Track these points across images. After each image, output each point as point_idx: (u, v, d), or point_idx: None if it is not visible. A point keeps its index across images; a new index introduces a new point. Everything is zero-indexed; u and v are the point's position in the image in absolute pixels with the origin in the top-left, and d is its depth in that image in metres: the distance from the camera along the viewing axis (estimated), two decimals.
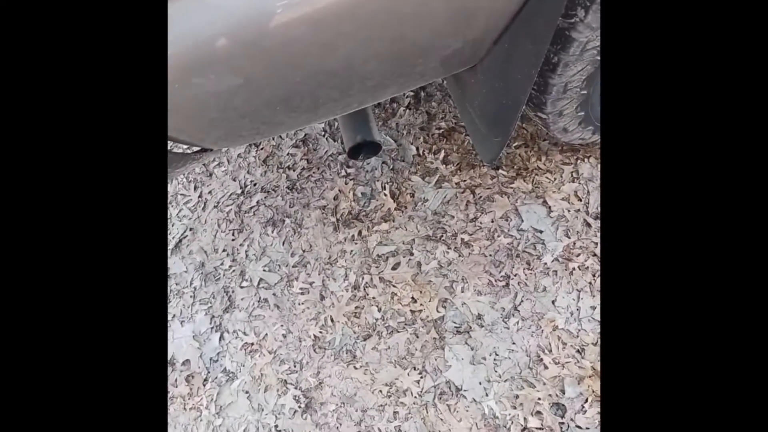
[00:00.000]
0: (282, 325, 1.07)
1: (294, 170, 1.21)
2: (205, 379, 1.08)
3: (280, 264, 1.12)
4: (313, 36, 0.56)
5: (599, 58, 0.73)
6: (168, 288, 1.19)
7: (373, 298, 1.07)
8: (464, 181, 1.12)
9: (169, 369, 1.10)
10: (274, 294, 1.10)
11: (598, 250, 1.02)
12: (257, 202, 1.21)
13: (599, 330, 0.96)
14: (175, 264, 1.22)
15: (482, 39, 0.65)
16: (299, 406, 1.01)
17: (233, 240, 1.21)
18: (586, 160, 1.08)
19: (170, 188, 1.32)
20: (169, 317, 1.15)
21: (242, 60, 0.54)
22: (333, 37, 0.57)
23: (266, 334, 1.07)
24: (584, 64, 0.73)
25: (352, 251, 1.11)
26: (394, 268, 1.08)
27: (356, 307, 1.07)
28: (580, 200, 1.05)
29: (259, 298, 1.11)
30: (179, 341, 1.13)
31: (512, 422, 0.94)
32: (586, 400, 0.92)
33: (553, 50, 0.71)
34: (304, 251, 1.13)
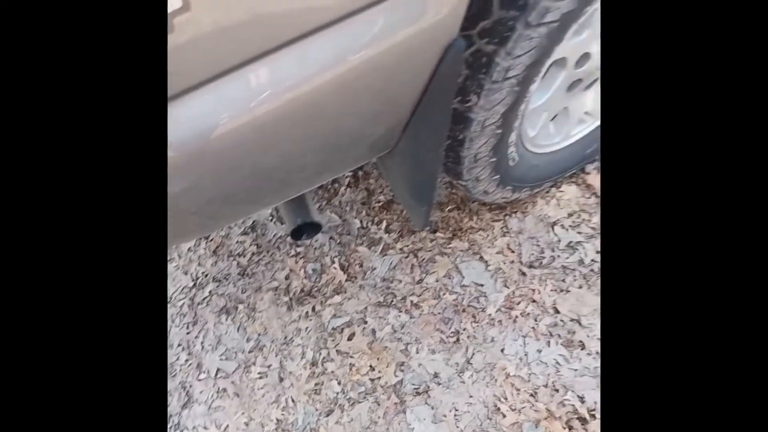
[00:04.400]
0: (243, 413, 1.06)
1: (244, 256, 1.25)
2: None
3: (236, 351, 1.13)
4: (253, 140, 0.64)
5: (498, 131, 0.85)
6: None
7: (332, 372, 1.09)
8: (407, 246, 1.20)
9: None
10: (232, 382, 1.09)
11: (536, 296, 1.09)
12: (209, 292, 1.23)
13: (548, 372, 1.02)
14: None
15: (396, 126, 0.76)
16: None
17: (188, 333, 1.21)
18: (513, 215, 1.18)
19: None
20: None
21: (189, 168, 0.60)
22: (272, 139, 0.65)
23: (227, 425, 1.05)
24: (487, 137, 0.84)
25: (307, 328, 1.14)
26: (349, 339, 1.11)
27: (316, 384, 1.08)
28: (513, 252, 1.14)
29: (218, 388, 1.10)
30: None
31: None
32: None
33: (458, 129, 0.82)
34: (259, 335, 1.14)
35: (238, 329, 1.16)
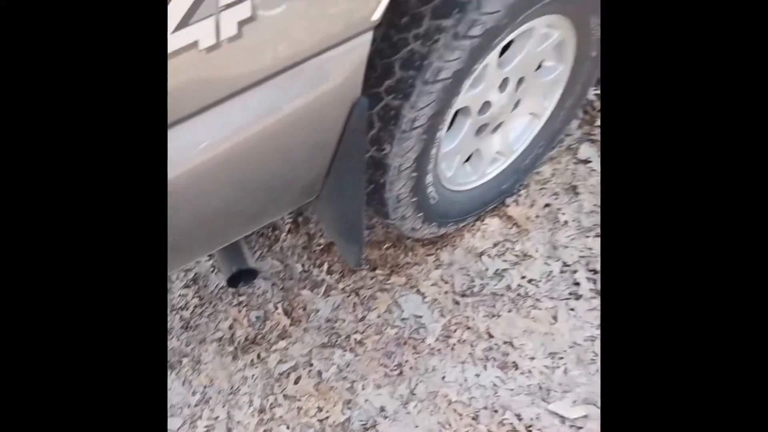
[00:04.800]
0: None
1: (187, 309, 1.26)
2: None
3: (181, 406, 1.12)
4: (191, 187, 0.69)
5: (414, 174, 0.94)
6: None
7: (281, 417, 1.10)
8: (349, 285, 1.25)
9: None
10: None
11: (470, 323, 1.17)
12: None
13: (487, 394, 1.08)
14: None
15: (319, 174, 0.83)
16: None
17: None
18: (443, 249, 1.27)
19: None
20: None
21: None
22: (207, 186, 0.70)
23: None
24: (405, 180, 0.94)
25: (253, 375, 1.15)
26: (296, 383, 1.13)
27: (265, 431, 1.08)
28: (447, 283, 1.22)
29: None
30: None
31: None
32: None
33: (379, 174, 0.91)
34: (205, 387, 1.14)
35: (183, 383, 1.15)
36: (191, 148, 0.65)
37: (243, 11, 0.55)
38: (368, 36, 0.69)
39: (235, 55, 0.58)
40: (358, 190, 0.84)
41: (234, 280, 0.97)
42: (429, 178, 1.01)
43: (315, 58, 0.65)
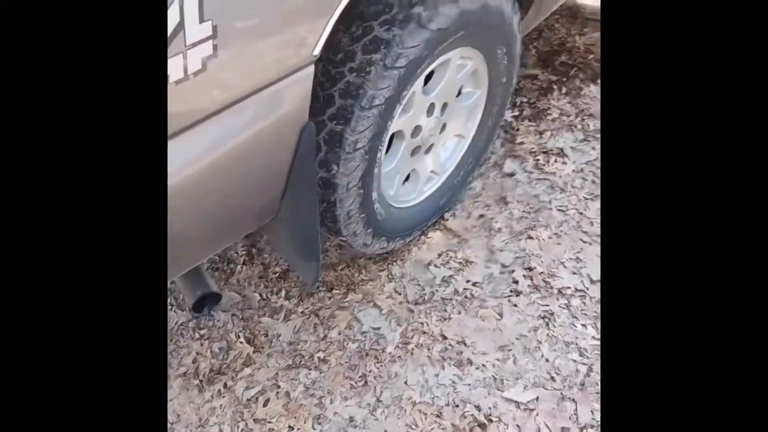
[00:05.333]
0: None
1: None
2: None
3: None
4: None
5: (361, 191, 1.05)
6: None
7: None
8: (307, 308, 1.31)
9: None
10: None
11: (425, 328, 1.25)
12: None
13: (447, 392, 1.16)
14: None
15: (275, 194, 0.92)
16: None
17: None
18: (394, 263, 1.37)
19: None
20: None
21: None
22: (177, 207, 0.75)
23: None
24: (353, 197, 1.04)
25: (221, 405, 1.16)
26: (265, 405, 1.15)
27: None
28: (400, 294, 1.31)
29: None
30: None
31: None
32: None
33: (329, 193, 1.01)
34: (172, 423, 1.14)
35: None
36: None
37: (206, 49, 0.64)
38: (311, 68, 0.81)
39: (200, 87, 0.67)
40: (312, 207, 0.93)
41: (199, 305, 1.00)
42: (374, 195, 1.11)
43: (269, 87, 0.75)
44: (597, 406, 1.09)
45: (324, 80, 0.94)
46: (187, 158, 0.72)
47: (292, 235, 1.02)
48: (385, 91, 0.94)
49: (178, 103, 0.66)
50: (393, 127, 1.06)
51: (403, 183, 1.28)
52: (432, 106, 1.16)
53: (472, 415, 1.12)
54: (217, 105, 0.71)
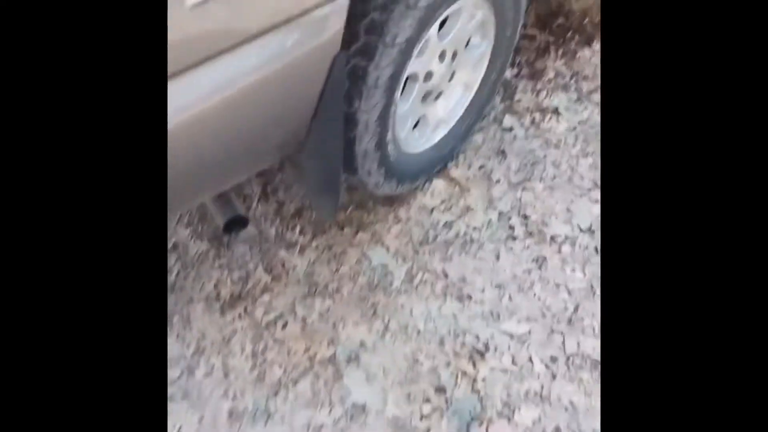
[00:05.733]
0: (194, 412, 1.14)
1: (171, 274, 1.32)
2: None
3: (178, 358, 1.20)
4: (191, 133, 0.76)
5: (378, 129, 1.12)
6: None
7: (272, 359, 1.22)
8: (321, 244, 1.40)
9: None
10: (179, 387, 1.16)
11: (429, 267, 1.37)
12: None
13: (449, 323, 1.29)
14: None
15: (304, 124, 0.97)
16: None
17: None
18: (400, 207, 1.46)
19: None
20: None
21: None
22: (212, 130, 0.79)
23: (181, 426, 1.12)
24: (371, 135, 1.11)
25: (242, 327, 1.26)
26: (283, 328, 1.26)
27: (259, 372, 1.20)
28: (406, 235, 1.42)
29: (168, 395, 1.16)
30: None
31: (411, 416, 1.17)
32: (457, 376, 1.21)
33: (350, 129, 1.08)
34: (198, 340, 1.23)
35: (177, 338, 1.23)
36: (192, 98, 0.73)
37: None
38: None
39: (246, 5, 0.69)
40: (337, 139, 1.00)
41: (229, 227, 1.08)
42: (389, 136, 1.19)
43: (314, 12, 0.78)
44: (582, 338, 1.24)
45: (349, 16, 0.99)
46: (221, 84, 0.75)
47: (314, 167, 1.09)
48: (407, 30, 1.00)
49: (223, 20, 0.69)
50: (409, 69, 1.13)
51: (413, 129, 1.35)
52: (444, 52, 1.22)
53: (471, 344, 1.26)
54: (262, 27, 0.74)
